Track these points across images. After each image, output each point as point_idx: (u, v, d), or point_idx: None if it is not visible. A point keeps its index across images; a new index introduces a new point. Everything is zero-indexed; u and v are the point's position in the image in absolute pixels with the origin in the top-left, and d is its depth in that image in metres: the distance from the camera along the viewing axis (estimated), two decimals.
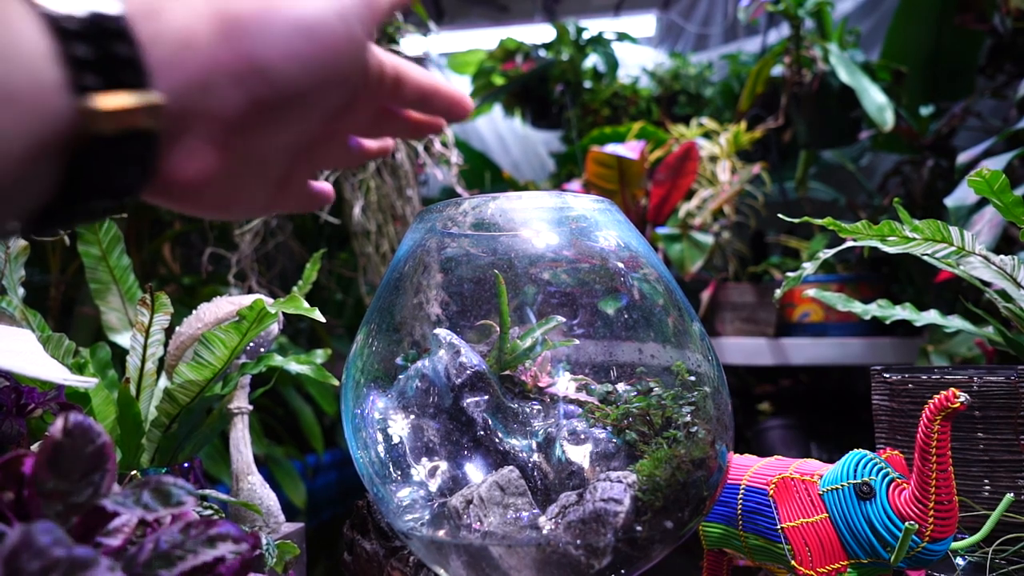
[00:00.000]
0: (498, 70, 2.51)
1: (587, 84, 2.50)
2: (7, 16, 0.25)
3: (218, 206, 0.35)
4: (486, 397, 0.60)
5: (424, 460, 0.60)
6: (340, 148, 0.42)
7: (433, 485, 0.59)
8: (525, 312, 0.60)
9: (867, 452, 0.62)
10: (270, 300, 0.74)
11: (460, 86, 2.91)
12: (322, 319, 0.73)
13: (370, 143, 0.44)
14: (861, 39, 2.25)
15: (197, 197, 0.33)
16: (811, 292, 0.97)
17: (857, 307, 0.91)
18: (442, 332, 0.61)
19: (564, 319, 0.60)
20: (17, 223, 0.28)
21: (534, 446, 0.59)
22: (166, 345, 0.81)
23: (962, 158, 1.48)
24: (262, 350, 0.85)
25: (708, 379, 0.60)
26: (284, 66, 0.31)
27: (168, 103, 0.28)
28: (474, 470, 0.58)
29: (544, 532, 0.55)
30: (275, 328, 0.84)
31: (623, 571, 0.56)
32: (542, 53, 2.51)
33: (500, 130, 3.04)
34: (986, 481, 0.73)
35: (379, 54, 0.38)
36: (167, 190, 0.31)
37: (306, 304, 0.73)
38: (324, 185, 0.43)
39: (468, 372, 0.60)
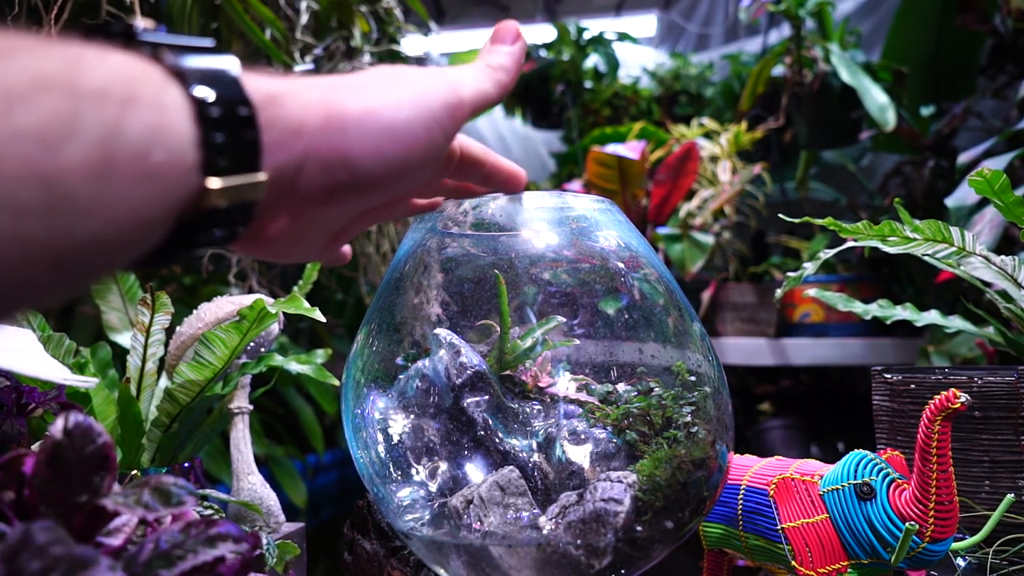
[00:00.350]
0: None
1: (588, 84, 2.50)
2: (163, 102, 0.28)
3: (281, 255, 0.40)
4: (486, 397, 0.60)
5: (424, 460, 0.60)
6: (395, 210, 0.49)
7: (433, 485, 0.59)
8: (525, 312, 0.60)
9: (867, 452, 0.62)
10: (271, 300, 0.74)
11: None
12: (323, 319, 0.73)
13: (420, 200, 0.51)
14: (862, 39, 2.25)
15: (267, 248, 0.38)
16: (812, 292, 0.97)
17: (858, 307, 0.91)
18: (442, 332, 0.61)
19: (564, 319, 0.60)
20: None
21: (534, 446, 0.59)
22: (167, 345, 0.81)
23: (963, 158, 1.48)
24: (263, 350, 0.85)
25: (708, 379, 0.60)
26: (368, 162, 0.35)
27: (270, 179, 0.32)
28: (474, 470, 0.58)
29: (544, 532, 0.55)
30: (275, 328, 0.84)
31: (623, 571, 0.56)
32: (543, 53, 2.51)
33: (501, 130, 3.04)
34: (987, 482, 0.73)
35: (457, 141, 0.44)
36: (250, 244, 0.37)
37: (307, 304, 0.73)
38: (346, 247, 0.48)
39: (468, 372, 0.60)
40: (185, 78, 0.29)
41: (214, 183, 0.29)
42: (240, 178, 0.30)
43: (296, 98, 0.33)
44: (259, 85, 0.32)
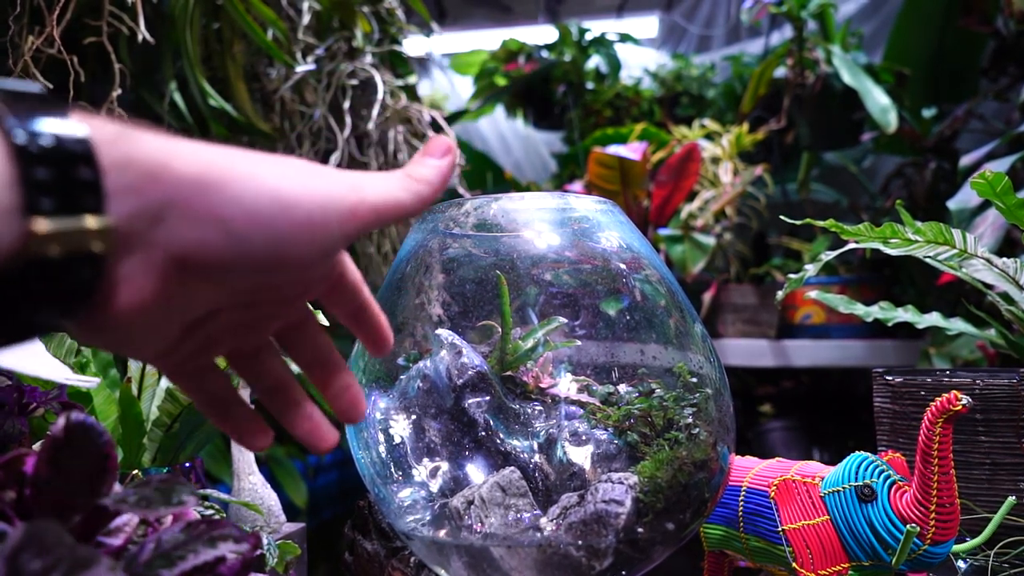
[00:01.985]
0: (500, 71, 2.52)
1: (589, 85, 2.50)
2: None
3: (132, 342, 0.33)
4: (488, 398, 0.60)
5: (425, 460, 0.60)
6: (257, 337, 0.41)
7: (434, 486, 0.59)
8: (527, 313, 0.60)
9: (868, 454, 0.62)
10: None
11: (463, 86, 2.91)
12: (326, 323, 0.73)
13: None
14: (864, 41, 2.25)
15: (117, 329, 0.31)
16: (813, 294, 0.97)
17: (859, 309, 0.91)
18: (444, 333, 0.61)
19: (566, 320, 0.60)
20: None
21: (535, 447, 0.59)
22: None
23: (965, 160, 1.48)
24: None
25: (710, 380, 0.60)
26: (250, 228, 0.30)
27: (120, 226, 0.28)
28: (475, 471, 0.58)
29: (545, 533, 0.55)
30: None
31: (624, 572, 0.56)
32: (544, 54, 2.51)
33: (502, 131, 3.04)
34: (988, 484, 0.73)
35: (347, 263, 0.39)
36: (96, 320, 0.30)
37: (309, 307, 0.73)
38: (330, 432, 0.42)
39: (470, 373, 0.60)
40: None
41: (41, 225, 0.25)
42: (74, 221, 0.26)
43: (158, 142, 0.29)
44: (100, 124, 0.28)
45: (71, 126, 0.27)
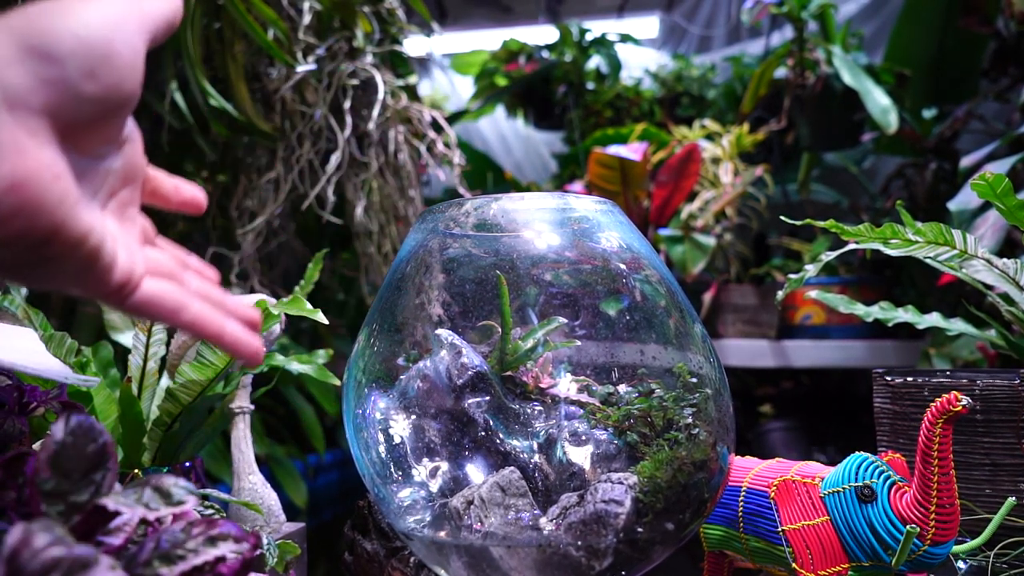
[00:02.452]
0: (501, 71, 2.52)
1: (590, 85, 2.50)
2: None
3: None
4: (487, 398, 0.60)
5: (425, 461, 0.60)
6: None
7: (434, 486, 0.59)
8: (527, 313, 0.60)
9: (868, 455, 0.62)
10: (273, 301, 0.74)
11: (464, 88, 2.91)
12: (325, 321, 0.73)
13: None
14: (864, 41, 2.25)
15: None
16: (813, 294, 0.97)
17: (859, 309, 0.91)
18: (444, 333, 0.61)
19: (566, 320, 0.60)
20: None
21: (535, 447, 0.59)
22: (168, 344, 0.81)
23: (965, 161, 1.48)
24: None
25: (709, 381, 0.60)
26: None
27: None
28: (475, 471, 0.58)
29: (545, 533, 0.55)
30: (277, 328, 0.84)
31: (624, 572, 0.56)
32: (545, 54, 2.51)
33: (503, 131, 3.04)
34: (988, 485, 0.73)
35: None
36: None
37: (309, 306, 0.73)
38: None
39: (470, 373, 0.60)
40: None
41: None
42: None
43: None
44: None
45: None
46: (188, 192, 0.44)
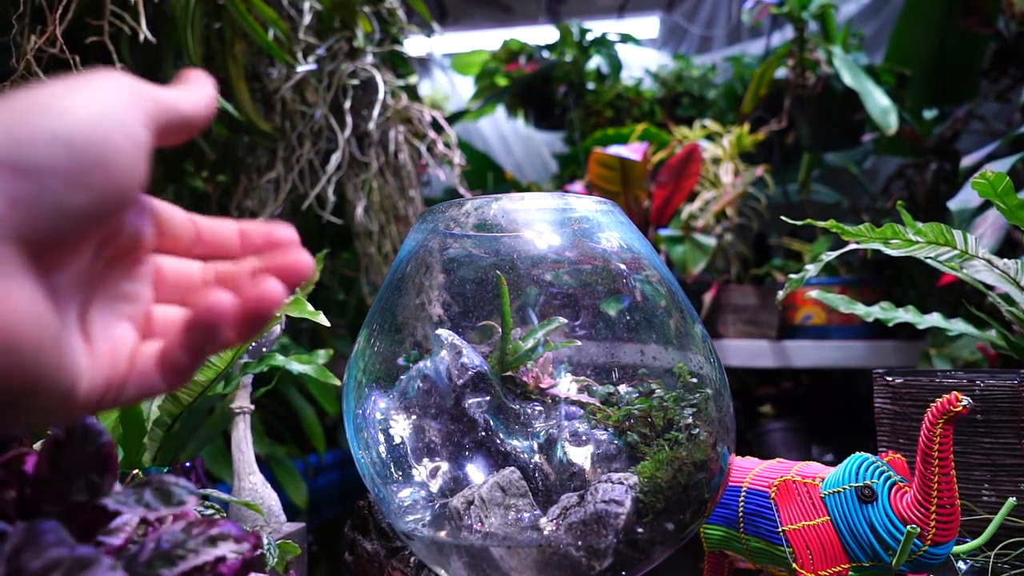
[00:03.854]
0: (501, 71, 2.52)
1: (590, 85, 2.50)
2: None
3: None
4: (488, 398, 0.60)
5: (425, 461, 0.60)
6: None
7: (434, 486, 0.59)
8: (527, 313, 0.60)
9: (869, 455, 0.62)
10: None
11: (464, 87, 2.92)
12: (326, 323, 0.73)
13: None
14: (865, 42, 2.25)
15: None
16: (813, 294, 0.97)
17: (860, 309, 0.91)
18: (444, 333, 0.61)
19: (566, 320, 0.60)
20: None
21: (535, 447, 0.59)
22: None
23: (966, 161, 1.48)
24: (264, 350, 0.85)
25: (710, 381, 0.60)
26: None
27: None
28: (475, 471, 0.58)
29: (545, 533, 0.55)
30: (278, 328, 0.84)
31: (624, 573, 0.56)
32: (545, 54, 2.51)
33: (503, 131, 3.04)
34: (988, 485, 0.73)
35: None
36: None
37: (310, 307, 0.73)
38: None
39: (470, 373, 0.60)
40: None
41: None
42: None
43: None
44: None
45: None
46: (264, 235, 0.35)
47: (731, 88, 2.36)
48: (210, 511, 0.57)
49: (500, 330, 0.60)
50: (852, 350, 1.74)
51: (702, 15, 2.91)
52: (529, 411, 0.60)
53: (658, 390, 0.59)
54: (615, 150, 1.76)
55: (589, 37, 2.50)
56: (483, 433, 0.59)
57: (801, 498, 0.61)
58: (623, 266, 0.61)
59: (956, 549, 0.61)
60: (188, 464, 0.81)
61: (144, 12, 0.98)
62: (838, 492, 0.60)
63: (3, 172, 0.24)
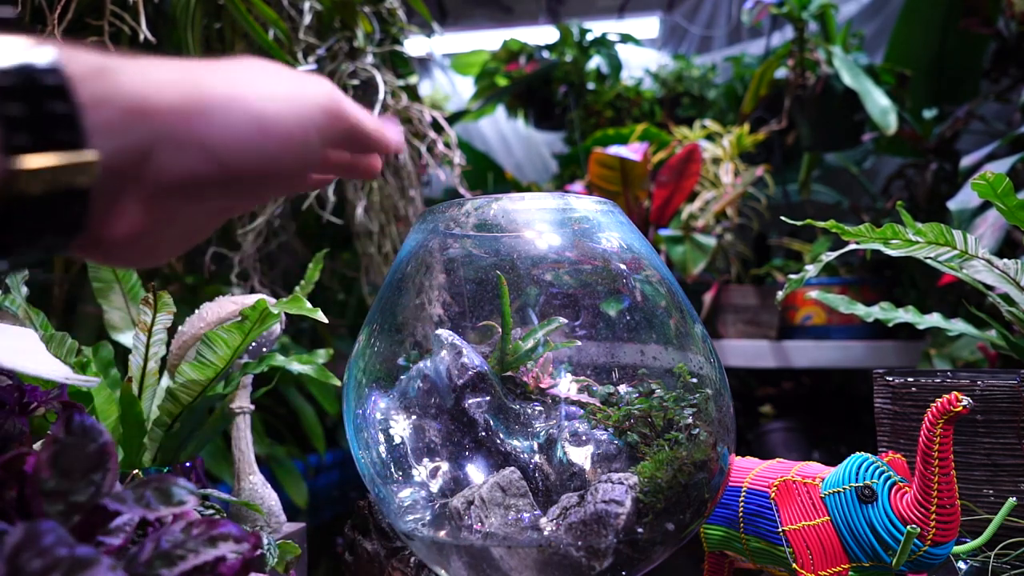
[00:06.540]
0: (501, 71, 2.52)
1: (590, 86, 2.50)
2: None
3: (134, 261, 0.34)
4: (488, 398, 0.60)
5: (425, 461, 0.60)
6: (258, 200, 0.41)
7: (434, 486, 0.59)
8: (527, 313, 0.60)
9: (869, 455, 0.62)
10: (273, 300, 0.74)
11: (463, 87, 2.91)
12: (325, 320, 0.73)
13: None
14: (865, 42, 2.25)
15: (117, 252, 0.32)
16: (814, 295, 0.97)
17: (860, 310, 0.91)
18: (444, 333, 0.61)
19: (566, 320, 0.60)
20: None
21: (536, 447, 0.59)
22: (168, 344, 0.81)
23: (966, 161, 1.48)
24: (264, 350, 0.85)
25: (710, 381, 0.60)
26: (235, 153, 0.31)
27: (106, 162, 0.27)
28: (475, 471, 0.58)
29: (545, 533, 0.55)
30: (277, 328, 0.84)
31: (624, 573, 0.56)
32: (545, 54, 2.51)
33: (503, 131, 3.04)
34: (988, 485, 0.73)
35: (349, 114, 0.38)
36: (95, 246, 0.31)
37: (309, 305, 0.73)
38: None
39: (470, 373, 0.60)
40: None
41: (24, 163, 0.25)
42: (55, 157, 0.25)
43: (137, 75, 0.29)
44: (80, 59, 0.27)
45: (41, 56, 0.26)
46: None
47: (731, 88, 2.36)
48: (210, 511, 0.57)
49: (500, 330, 0.60)
50: (852, 350, 1.74)
51: (702, 15, 2.91)
52: (529, 411, 0.60)
53: (658, 390, 0.59)
54: (615, 150, 1.76)
55: (589, 37, 2.50)
56: (483, 433, 0.59)
57: (801, 498, 0.61)
58: (623, 266, 0.61)
59: (956, 549, 0.61)
60: (188, 464, 0.81)
61: (144, 12, 0.98)
62: (838, 492, 0.60)
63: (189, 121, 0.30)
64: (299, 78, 0.35)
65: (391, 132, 0.41)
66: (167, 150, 0.29)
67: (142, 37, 0.98)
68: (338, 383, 0.80)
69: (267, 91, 0.33)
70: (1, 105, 0.25)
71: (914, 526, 0.55)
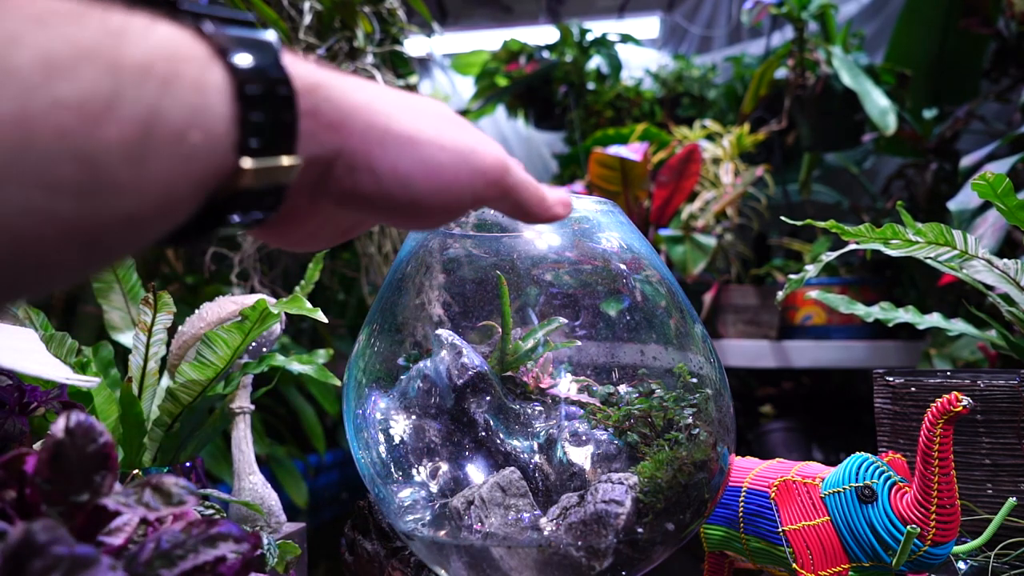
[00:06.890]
0: (502, 71, 2.52)
1: (590, 86, 2.50)
2: (205, 82, 0.27)
3: (296, 244, 0.39)
4: (488, 398, 0.60)
5: (425, 461, 0.60)
6: None
7: (434, 486, 0.59)
8: (527, 313, 0.60)
9: (869, 455, 0.62)
10: (273, 300, 0.74)
11: (464, 88, 2.92)
12: (325, 320, 0.73)
13: None
14: (865, 42, 2.25)
15: (285, 236, 0.38)
16: (814, 295, 0.97)
17: (860, 310, 0.91)
18: (444, 333, 0.61)
19: (566, 320, 0.60)
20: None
21: (535, 447, 0.59)
22: (169, 344, 0.81)
23: (966, 161, 1.48)
24: (264, 350, 0.85)
25: (710, 381, 0.60)
26: (394, 186, 0.35)
27: (303, 168, 0.31)
28: (475, 471, 0.58)
29: (545, 533, 0.55)
30: (277, 328, 0.84)
31: (624, 573, 0.56)
32: (546, 54, 2.51)
33: (503, 131, 3.04)
34: (988, 485, 0.73)
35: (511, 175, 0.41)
36: (269, 228, 0.37)
37: (308, 304, 0.73)
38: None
39: (470, 373, 0.60)
40: (227, 52, 0.28)
41: (247, 163, 0.28)
42: (274, 160, 0.29)
43: (341, 94, 0.33)
44: (303, 71, 0.31)
45: (281, 69, 0.30)
46: None
47: (731, 88, 2.36)
48: (210, 511, 0.57)
49: (500, 330, 0.60)
50: (852, 350, 1.74)
51: (702, 15, 2.91)
52: (529, 411, 0.60)
53: (658, 390, 0.59)
54: (615, 150, 1.76)
55: (589, 37, 2.50)
56: (483, 433, 0.59)
57: (801, 498, 0.61)
58: (623, 266, 0.61)
59: (956, 549, 0.61)
60: (188, 464, 0.81)
61: None
62: (838, 492, 0.60)
63: (363, 142, 0.33)
64: (478, 139, 0.38)
65: (554, 202, 0.43)
66: (343, 166, 0.33)
67: None
68: (338, 383, 0.80)
69: (445, 143, 0.36)
70: (248, 112, 0.28)
71: (914, 526, 0.55)
